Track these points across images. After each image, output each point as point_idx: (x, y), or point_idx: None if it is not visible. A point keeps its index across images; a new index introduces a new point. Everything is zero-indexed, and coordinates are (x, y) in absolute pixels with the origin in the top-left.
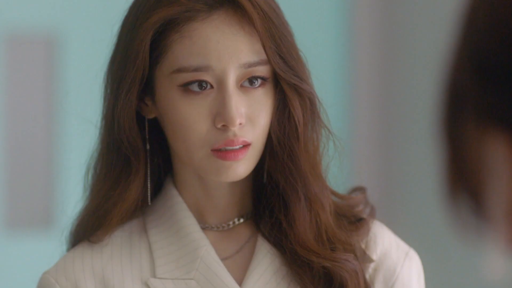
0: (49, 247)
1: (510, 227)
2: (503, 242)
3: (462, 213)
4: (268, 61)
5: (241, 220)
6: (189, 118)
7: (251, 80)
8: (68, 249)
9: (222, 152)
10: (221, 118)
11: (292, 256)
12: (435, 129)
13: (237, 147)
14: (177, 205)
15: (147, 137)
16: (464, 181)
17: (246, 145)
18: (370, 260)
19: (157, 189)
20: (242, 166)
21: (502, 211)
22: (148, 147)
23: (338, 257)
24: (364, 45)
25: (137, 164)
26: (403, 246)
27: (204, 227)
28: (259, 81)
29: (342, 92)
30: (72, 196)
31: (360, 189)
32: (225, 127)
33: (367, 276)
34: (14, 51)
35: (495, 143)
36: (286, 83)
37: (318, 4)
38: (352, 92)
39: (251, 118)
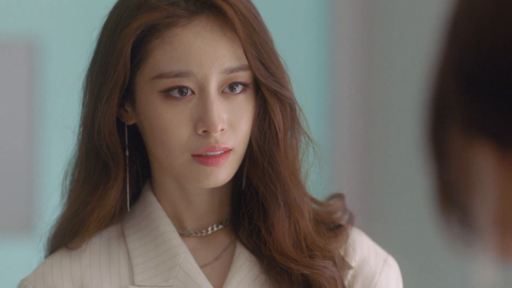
0: (29, 253)
1: (497, 236)
2: (491, 252)
3: (450, 223)
4: (249, 67)
5: (220, 227)
6: (170, 124)
7: (232, 86)
8: (46, 256)
9: (203, 158)
10: (202, 124)
11: (271, 263)
12: (420, 139)
13: (218, 153)
14: (155, 212)
15: (126, 143)
16: (451, 191)
17: (227, 151)
18: (349, 267)
19: (136, 196)
20: (223, 172)
21: (490, 221)
22: (127, 153)
23: (317, 264)
24: (346, 52)
25: (116, 170)
26: (381, 253)
27: (182, 233)
28: (240, 87)
29: (322, 99)
30: (52, 202)
31: (338, 196)
32: (207, 133)
33: (346, 283)
34: None
35: (481, 153)
36: (266, 89)
37: (298, 10)
38: (332, 99)
39: (232, 124)
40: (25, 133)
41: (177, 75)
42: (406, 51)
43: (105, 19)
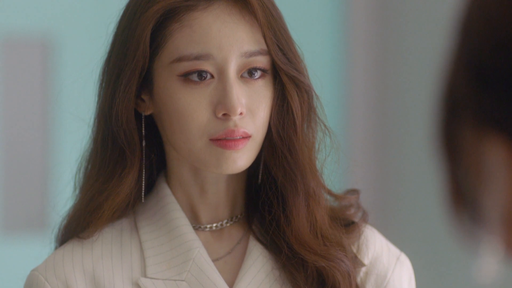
0: (45, 250)
1: (507, 231)
2: (500, 247)
3: (461, 218)
4: (268, 52)
5: (234, 220)
6: (189, 108)
7: (251, 71)
8: (57, 247)
9: (222, 141)
10: (222, 107)
11: (287, 255)
12: (432, 134)
13: (238, 137)
14: (170, 205)
15: (143, 133)
16: (462, 186)
17: (246, 137)
18: (362, 264)
19: (149, 188)
20: (242, 158)
21: (500, 216)
22: (144, 143)
23: (334, 254)
24: (361, 44)
25: (132, 158)
26: (394, 250)
27: (196, 227)
28: (259, 72)
29: (337, 91)
30: (65, 197)
31: (354, 192)
32: (226, 117)
33: (358, 280)
34: (10, 54)
35: (493, 148)
36: (285, 74)
37: (314, 1)
38: (347, 93)
39: (251, 110)
40: (41, 130)
41: (197, 57)
42: (420, 45)
43: (121, 11)
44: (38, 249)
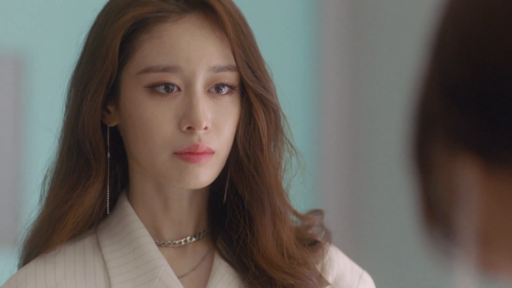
0: (10, 266)
1: (480, 250)
2: (473, 265)
3: (434, 236)
4: (237, 68)
5: (198, 237)
6: (154, 120)
7: (218, 86)
8: (20, 264)
9: (185, 154)
10: (187, 120)
11: (254, 274)
12: (404, 152)
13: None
14: (133, 224)
15: (108, 145)
16: (435, 204)
17: (209, 152)
18: (326, 283)
19: (112, 203)
20: (205, 172)
21: (473, 235)
22: (109, 155)
23: (301, 273)
24: (332, 64)
25: (98, 168)
26: (357, 268)
27: (160, 243)
28: (226, 88)
29: (307, 109)
30: (32, 211)
31: (318, 212)
32: (191, 130)
33: None
34: None
35: (465, 167)
36: (252, 92)
37: (284, 19)
38: (318, 110)
39: (216, 125)
40: (12, 143)
41: (165, 69)
42: (392, 64)
43: (93, 20)
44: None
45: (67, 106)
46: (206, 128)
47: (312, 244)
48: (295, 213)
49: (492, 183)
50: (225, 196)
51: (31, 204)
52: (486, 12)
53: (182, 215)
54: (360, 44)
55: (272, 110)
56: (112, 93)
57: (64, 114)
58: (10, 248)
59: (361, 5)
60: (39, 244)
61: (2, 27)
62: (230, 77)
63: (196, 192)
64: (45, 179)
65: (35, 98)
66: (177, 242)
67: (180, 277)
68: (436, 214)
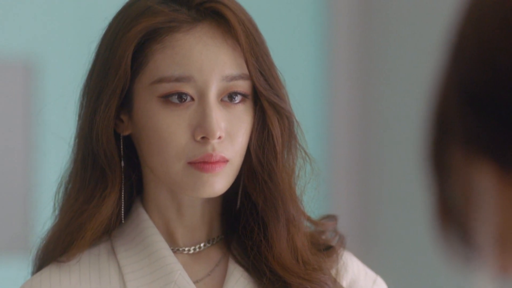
0: (25, 273)
1: (497, 254)
2: (490, 269)
3: (449, 240)
4: (250, 76)
5: (211, 243)
6: (168, 130)
7: (231, 95)
8: (34, 272)
9: (199, 164)
10: (201, 130)
11: (270, 279)
12: (421, 156)
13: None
14: (149, 229)
15: (122, 154)
16: (451, 208)
17: (223, 161)
18: None
19: (126, 210)
20: (219, 182)
21: (489, 238)
22: (123, 164)
23: (317, 277)
24: (344, 70)
25: (113, 178)
26: (370, 273)
27: (174, 249)
28: (239, 97)
29: (320, 116)
30: (46, 220)
31: (331, 217)
32: (205, 140)
33: None
34: None
35: (482, 171)
36: (266, 100)
37: (296, 27)
38: (330, 117)
39: (230, 134)
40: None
41: (178, 79)
42: (408, 68)
43: (105, 28)
44: (18, 272)
45: (79, 116)
46: (220, 137)
47: (326, 250)
48: (309, 219)
49: (508, 188)
50: (238, 202)
51: (44, 213)
52: (506, 16)
53: (195, 221)
54: (372, 51)
55: (285, 117)
56: (125, 103)
57: (77, 124)
58: (23, 256)
59: (372, 12)
60: (55, 254)
61: (13, 35)
62: (243, 86)
63: (209, 199)
64: (59, 188)
65: (46, 105)
66: (191, 248)
67: (195, 282)
68: (452, 218)
